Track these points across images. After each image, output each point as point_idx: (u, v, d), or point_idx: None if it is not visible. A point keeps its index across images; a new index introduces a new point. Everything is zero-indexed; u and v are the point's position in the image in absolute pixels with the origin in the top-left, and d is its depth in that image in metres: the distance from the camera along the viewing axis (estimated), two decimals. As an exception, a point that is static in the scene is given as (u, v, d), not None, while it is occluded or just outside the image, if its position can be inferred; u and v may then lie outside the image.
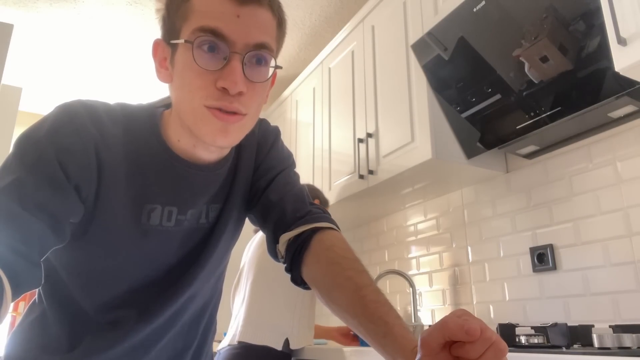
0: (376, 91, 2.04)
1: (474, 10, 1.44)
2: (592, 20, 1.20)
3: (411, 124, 1.78)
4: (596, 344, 1.01)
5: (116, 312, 0.74)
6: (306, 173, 2.52)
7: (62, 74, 3.27)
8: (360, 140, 2.05)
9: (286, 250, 0.76)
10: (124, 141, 0.69)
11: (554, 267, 1.57)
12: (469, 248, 1.92)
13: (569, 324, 1.14)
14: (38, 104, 3.61)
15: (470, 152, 1.69)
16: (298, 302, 1.75)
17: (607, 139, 1.48)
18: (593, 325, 1.22)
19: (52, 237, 0.61)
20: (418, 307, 2.10)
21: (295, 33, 2.82)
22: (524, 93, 1.42)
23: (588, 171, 1.52)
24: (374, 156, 1.96)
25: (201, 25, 0.62)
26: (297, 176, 0.87)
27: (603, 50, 1.18)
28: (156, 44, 0.70)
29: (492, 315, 1.77)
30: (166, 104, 0.76)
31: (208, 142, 0.67)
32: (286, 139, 2.49)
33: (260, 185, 0.82)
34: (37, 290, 0.79)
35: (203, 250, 0.78)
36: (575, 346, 1.15)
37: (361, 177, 2.01)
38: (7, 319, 3.37)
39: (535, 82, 1.38)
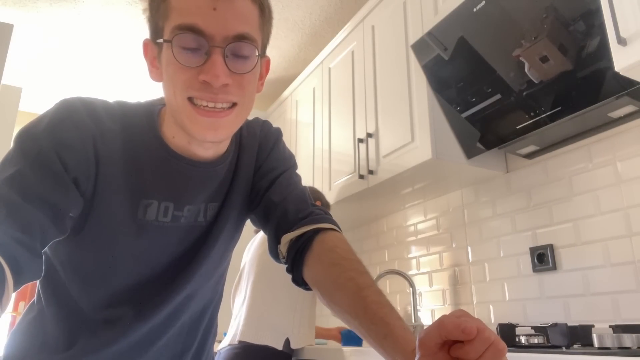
0: (376, 91, 2.04)
1: (474, 10, 1.44)
2: (592, 20, 1.20)
3: (411, 124, 1.78)
4: (596, 344, 1.01)
5: (113, 310, 0.74)
6: (306, 173, 2.52)
7: (62, 74, 3.27)
8: (360, 140, 2.05)
9: (288, 251, 0.76)
10: (122, 137, 0.70)
11: (554, 267, 1.57)
12: (469, 248, 1.92)
13: (569, 324, 1.14)
14: (38, 104, 3.61)
15: (470, 152, 1.69)
16: (299, 302, 1.75)
17: (607, 139, 1.48)
18: (593, 325, 1.22)
19: (52, 228, 0.62)
20: (418, 307, 2.10)
21: (295, 33, 2.82)
22: (524, 93, 1.42)
23: (588, 171, 1.52)
24: (374, 156, 1.96)
25: (179, 23, 0.62)
26: (298, 177, 0.87)
27: (603, 50, 1.18)
28: (145, 45, 0.71)
29: (492, 315, 1.77)
30: (164, 102, 0.76)
31: (198, 139, 0.68)
32: (286, 139, 2.49)
33: (261, 186, 0.82)
34: (36, 289, 0.79)
35: (200, 249, 0.78)
36: (575, 346, 1.15)
37: (361, 177, 2.01)
38: (7, 318, 3.37)
39: (535, 82, 1.38)
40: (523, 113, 1.46)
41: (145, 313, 0.75)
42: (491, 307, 1.78)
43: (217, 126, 0.65)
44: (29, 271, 0.59)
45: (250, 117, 0.80)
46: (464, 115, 1.61)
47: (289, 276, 0.79)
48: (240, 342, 1.66)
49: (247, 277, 1.85)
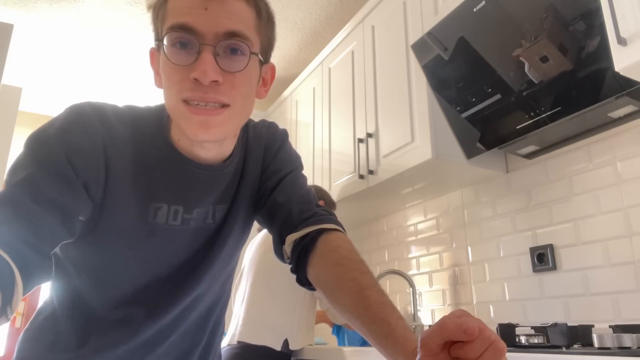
0: (376, 91, 2.04)
1: (474, 10, 1.44)
2: (592, 20, 1.20)
3: (411, 124, 1.78)
4: (596, 344, 1.01)
5: (124, 309, 0.74)
6: (306, 173, 2.49)
7: (62, 74, 3.27)
8: (360, 140, 2.05)
9: (292, 251, 0.76)
10: (132, 141, 0.71)
11: (554, 267, 1.57)
12: (469, 248, 1.92)
13: (569, 324, 1.14)
14: (38, 104, 3.61)
15: (470, 152, 1.69)
16: (298, 303, 1.75)
17: (607, 139, 1.48)
18: (593, 325, 1.22)
19: (62, 230, 0.63)
20: (418, 307, 2.10)
21: (295, 33, 2.82)
22: (524, 93, 1.42)
23: (588, 171, 1.52)
24: (374, 156, 1.96)
25: (171, 24, 0.63)
26: (304, 178, 0.88)
27: (603, 50, 1.18)
28: (151, 54, 0.72)
29: (492, 315, 1.77)
30: None
31: (191, 138, 0.68)
32: (286, 139, 2.50)
33: (267, 186, 0.82)
34: (49, 290, 0.81)
35: (210, 250, 0.78)
36: (575, 346, 1.15)
37: (361, 177, 2.01)
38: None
39: (535, 82, 1.38)
40: (523, 113, 1.46)
41: (156, 313, 0.76)
42: (491, 307, 1.78)
43: (208, 124, 0.64)
44: (38, 274, 0.59)
45: (250, 117, 0.80)
46: (464, 115, 1.61)
47: (288, 276, 0.80)
48: (239, 342, 1.65)
49: (247, 277, 1.85)
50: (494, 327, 1.34)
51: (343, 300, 0.66)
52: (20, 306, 3.17)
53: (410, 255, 2.26)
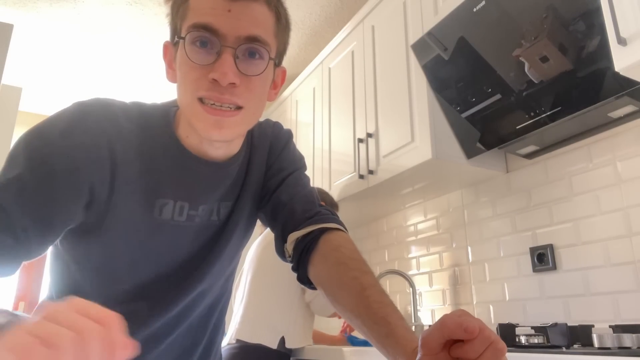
0: (376, 91, 2.04)
1: (474, 10, 1.44)
2: (592, 20, 1.20)
3: (411, 124, 1.78)
4: (596, 344, 1.01)
5: (127, 304, 0.74)
6: (307, 173, 2.51)
7: (62, 74, 3.27)
8: (360, 140, 2.05)
9: (294, 250, 0.77)
10: (138, 137, 0.71)
11: (554, 267, 1.57)
12: (469, 248, 1.92)
13: (569, 324, 1.14)
14: (38, 104, 3.61)
15: (470, 152, 1.69)
16: (295, 302, 1.75)
17: (607, 139, 1.48)
18: (593, 325, 1.22)
19: (37, 238, 0.63)
20: (418, 307, 2.10)
21: (295, 33, 2.82)
22: (524, 93, 1.42)
23: (588, 171, 1.52)
24: (374, 156, 1.96)
25: (194, 22, 0.64)
26: (307, 179, 0.89)
27: (603, 50, 1.18)
28: (165, 47, 0.73)
29: (492, 315, 1.77)
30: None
31: (204, 136, 0.69)
32: (286, 139, 2.50)
33: (271, 185, 0.83)
34: (48, 287, 0.81)
35: (214, 247, 0.79)
36: (575, 346, 1.15)
37: (361, 177, 2.01)
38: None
39: (535, 82, 1.38)
40: (523, 113, 1.46)
41: (159, 308, 0.76)
42: (491, 307, 1.78)
43: (221, 125, 0.65)
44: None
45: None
46: (464, 115, 1.61)
47: (287, 275, 0.80)
48: (237, 340, 1.66)
49: (246, 276, 1.86)
50: (494, 327, 1.34)
51: (344, 300, 0.66)
52: (20, 306, 3.17)
53: (410, 255, 2.26)
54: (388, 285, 2.37)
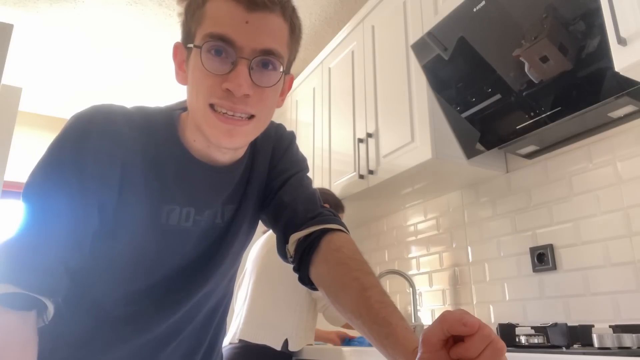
0: (376, 91, 2.04)
1: (474, 10, 1.44)
2: (592, 20, 1.20)
3: (411, 124, 1.78)
4: (596, 344, 1.01)
5: (133, 306, 0.75)
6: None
7: (62, 74, 3.27)
8: (360, 140, 2.05)
9: (295, 250, 0.77)
10: (142, 144, 0.71)
11: (554, 267, 1.57)
12: (469, 248, 1.92)
13: (569, 324, 1.14)
14: (38, 104, 3.61)
15: (470, 152, 1.69)
16: (299, 304, 1.75)
17: (607, 139, 1.48)
18: (593, 325, 1.22)
19: (73, 259, 0.67)
20: (418, 307, 2.10)
21: (295, 33, 2.82)
22: (524, 93, 1.42)
23: (588, 171, 1.52)
24: (374, 156, 1.96)
25: (211, 31, 0.64)
26: (310, 180, 0.89)
27: (603, 50, 1.18)
28: (176, 47, 0.73)
29: (492, 315, 1.77)
30: (184, 107, 0.77)
31: (214, 143, 0.69)
32: (286, 139, 2.51)
33: (273, 186, 0.84)
34: None
35: (219, 250, 0.80)
36: (575, 346, 1.15)
37: (361, 177, 2.01)
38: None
39: (535, 82, 1.38)
40: (523, 113, 1.46)
41: (165, 310, 0.77)
42: (491, 307, 1.78)
43: (233, 133, 0.66)
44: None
45: None
46: (464, 115, 1.61)
47: (290, 277, 0.81)
48: (240, 340, 1.66)
49: (250, 277, 1.86)
50: (494, 327, 1.34)
51: (345, 300, 0.66)
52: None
53: (410, 255, 2.26)
54: (388, 285, 2.37)
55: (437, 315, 2.05)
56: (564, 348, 1.09)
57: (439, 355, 0.46)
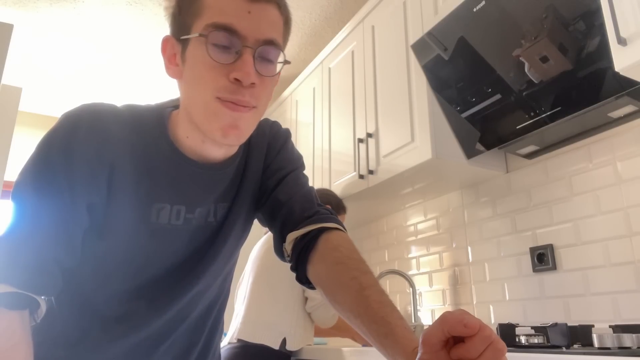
0: (376, 91, 2.04)
1: (474, 10, 1.44)
2: (592, 20, 1.20)
3: (411, 124, 1.78)
4: (596, 344, 1.01)
5: (126, 305, 0.75)
6: (306, 173, 2.51)
7: (62, 74, 3.27)
8: (360, 140, 2.05)
9: (292, 249, 0.76)
10: (132, 143, 0.70)
11: (554, 267, 1.57)
12: (469, 248, 1.92)
13: (569, 324, 1.14)
14: (38, 104, 3.61)
15: (470, 152, 1.69)
16: (297, 303, 1.75)
17: (607, 139, 1.48)
18: (593, 325, 1.22)
19: (67, 257, 0.69)
20: (418, 307, 2.10)
21: (295, 33, 2.82)
22: (524, 93, 1.42)
23: (588, 171, 1.52)
24: (374, 156, 1.96)
25: (214, 22, 0.64)
26: (306, 178, 0.88)
27: (603, 50, 1.18)
28: (165, 41, 0.71)
29: (492, 315, 1.77)
30: (174, 105, 0.76)
31: (218, 139, 0.68)
32: (286, 139, 2.50)
33: (269, 184, 0.83)
34: None
35: (211, 248, 0.79)
36: (575, 346, 1.15)
37: (361, 177, 2.01)
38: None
39: (535, 82, 1.38)
40: (523, 113, 1.46)
41: (157, 309, 0.76)
42: (491, 307, 1.78)
43: (239, 124, 0.66)
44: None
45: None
46: (464, 115, 1.61)
47: (288, 276, 0.80)
48: (238, 340, 1.66)
49: (249, 276, 1.86)
50: (494, 327, 1.34)
51: (343, 299, 0.66)
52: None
53: (410, 255, 2.26)
54: (388, 285, 2.37)
55: (437, 315, 2.05)
56: (564, 348, 1.09)
57: (439, 356, 0.46)
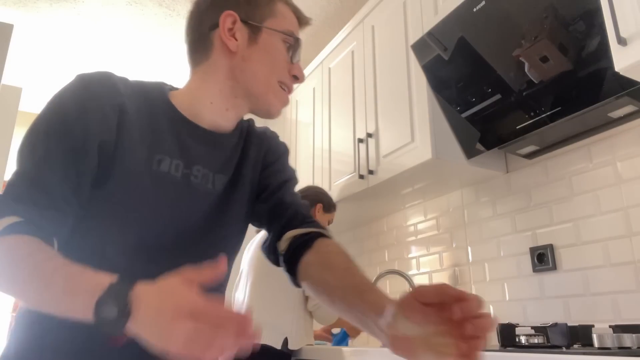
0: (376, 91, 2.04)
1: (474, 10, 1.44)
2: (592, 20, 1.20)
3: (411, 124, 1.78)
4: (596, 344, 1.01)
5: (134, 266, 0.74)
6: (306, 173, 2.52)
7: (62, 74, 3.27)
8: (360, 140, 2.05)
9: (289, 245, 0.82)
10: (138, 101, 0.78)
11: (554, 267, 1.57)
12: (469, 248, 1.92)
13: (569, 324, 1.14)
14: (38, 104, 3.61)
15: (470, 152, 1.69)
16: (297, 303, 1.75)
17: (607, 139, 1.48)
18: (593, 325, 1.22)
19: (75, 201, 0.71)
20: (418, 307, 2.10)
21: (295, 33, 2.82)
22: (524, 93, 1.42)
23: (588, 171, 1.52)
24: (374, 156, 1.96)
25: (292, 30, 0.84)
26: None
27: (603, 50, 1.18)
28: (229, 15, 0.81)
29: (492, 316, 1.77)
30: (171, 87, 0.87)
31: (272, 110, 0.84)
32: (286, 139, 2.50)
33: (271, 183, 0.89)
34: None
35: (214, 217, 0.82)
36: (575, 346, 1.15)
37: (361, 177, 2.01)
38: (7, 318, 3.37)
39: (535, 82, 1.38)
40: (523, 113, 1.46)
41: (161, 271, 0.76)
42: (491, 307, 1.78)
43: (286, 103, 0.86)
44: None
45: (251, 116, 0.90)
46: (464, 115, 1.61)
47: (288, 277, 0.85)
48: (239, 340, 1.66)
49: (247, 277, 1.86)
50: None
51: (329, 278, 0.74)
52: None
53: (410, 255, 2.26)
54: (388, 285, 2.37)
55: (437, 315, 2.04)
56: (564, 348, 1.09)
57: (426, 311, 0.54)
